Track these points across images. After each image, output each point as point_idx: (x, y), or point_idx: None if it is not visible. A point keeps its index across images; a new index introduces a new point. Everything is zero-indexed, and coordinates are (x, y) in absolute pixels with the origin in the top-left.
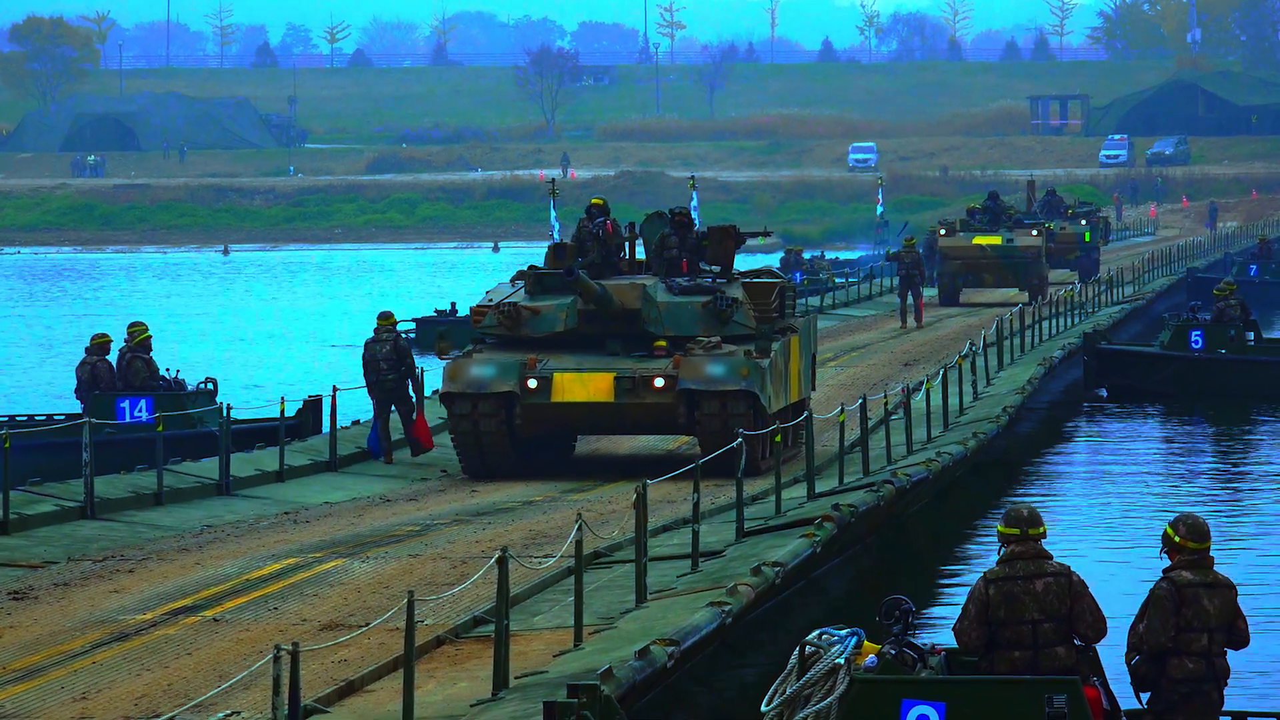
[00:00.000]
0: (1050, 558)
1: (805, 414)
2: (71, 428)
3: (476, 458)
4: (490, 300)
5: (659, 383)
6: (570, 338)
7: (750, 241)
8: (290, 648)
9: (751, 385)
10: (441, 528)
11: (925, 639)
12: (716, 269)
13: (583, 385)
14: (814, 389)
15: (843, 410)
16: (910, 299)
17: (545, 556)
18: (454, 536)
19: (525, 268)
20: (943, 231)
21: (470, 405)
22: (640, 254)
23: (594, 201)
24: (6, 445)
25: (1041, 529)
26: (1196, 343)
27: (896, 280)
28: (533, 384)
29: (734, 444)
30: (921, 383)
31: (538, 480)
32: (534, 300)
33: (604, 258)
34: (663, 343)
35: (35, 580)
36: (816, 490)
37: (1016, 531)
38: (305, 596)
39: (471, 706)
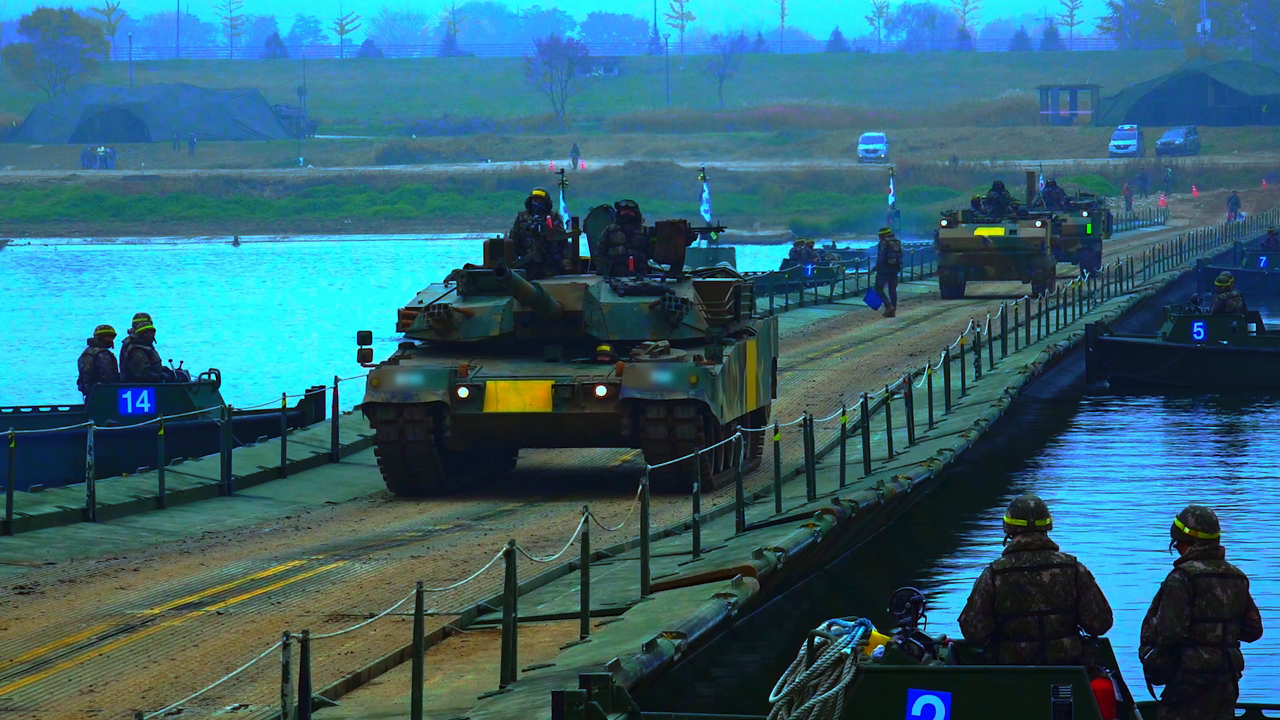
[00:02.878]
0: (1056, 549)
1: (803, 416)
2: (75, 422)
3: (402, 473)
4: (420, 302)
5: (601, 391)
6: (506, 343)
7: (759, 232)
8: (300, 636)
9: (701, 394)
10: (443, 532)
11: (934, 629)
12: (666, 267)
13: (518, 394)
14: (775, 395)
15: (844, 411)
16: (886, 289)
17: (550, 552)
18: (456, 540)
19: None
20: (944, 223)
21: (395, 416)
22: (587, 251)
23: (534, 194)
24: (12, 445)
25: (1048, 520)
26: (1199, 334)
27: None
28: (463, 393)
29: (731, 438)
30: (924, 369)
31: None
32: (467, 302)
33: (544, 255)
34: (606, 348)
35: (40, 576)
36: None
37: (1023, 523)
38: (309, 592)
39: (480, 699)
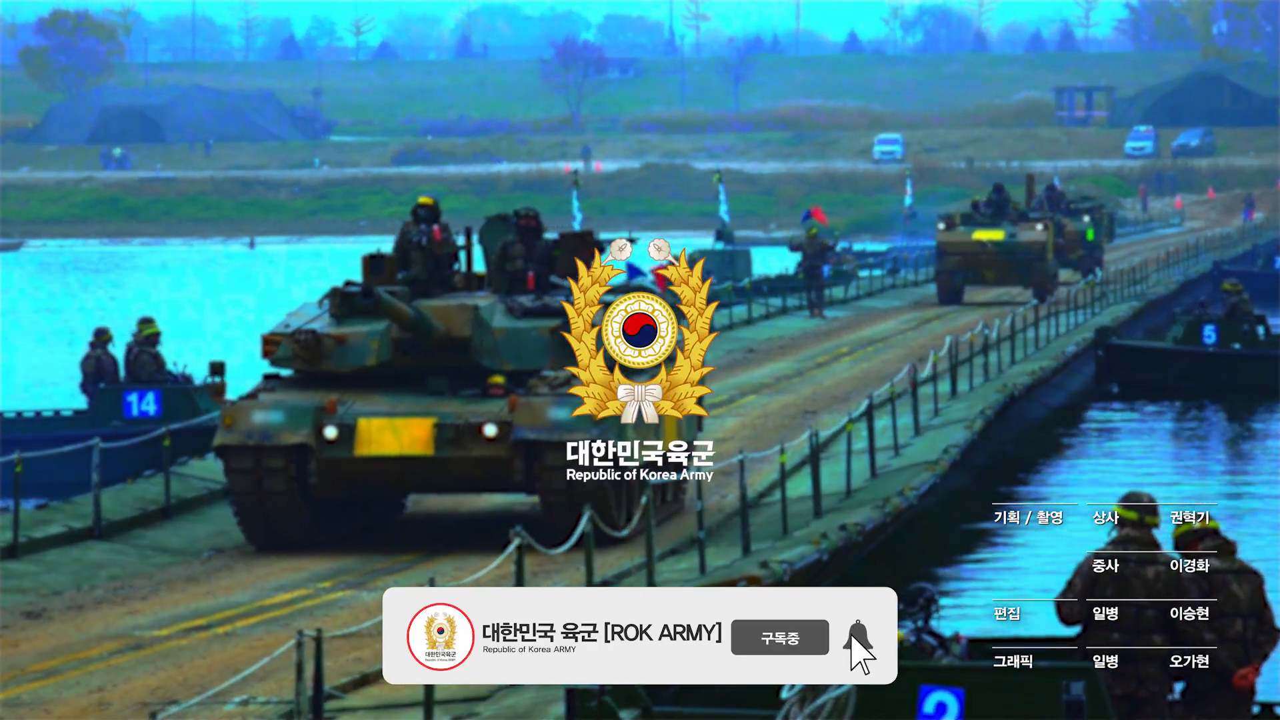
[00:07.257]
0: (1160, 548)
1: (808, 431)
2: (80, 425)
3: (259, 524)
4: (287, 325)
5: (490, 430)
6: (384, 373)
7: (774, 234)
8: (314, 634)
9: (605, 434)
10: (449, 553)
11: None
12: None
13: (394, 434)
14: (700, 430)
15: (849, 420)
16: (813, 293)
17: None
18: (462, 564)
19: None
20: (942, 225)
21: (251, 460)
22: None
23: (421, 201)
24: (19, 469)
25: (1157, 520)
26: (1210, 338)
27: (802, 273)
28: (331, 433)
29: (734, 458)
30: (929, 361)
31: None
32: (340, 326)
33: (431, 272)
34: (499, 379)
35: (49, 603)
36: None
37: (1134, 516)
38: (316, 616)
39: (493, 693)
